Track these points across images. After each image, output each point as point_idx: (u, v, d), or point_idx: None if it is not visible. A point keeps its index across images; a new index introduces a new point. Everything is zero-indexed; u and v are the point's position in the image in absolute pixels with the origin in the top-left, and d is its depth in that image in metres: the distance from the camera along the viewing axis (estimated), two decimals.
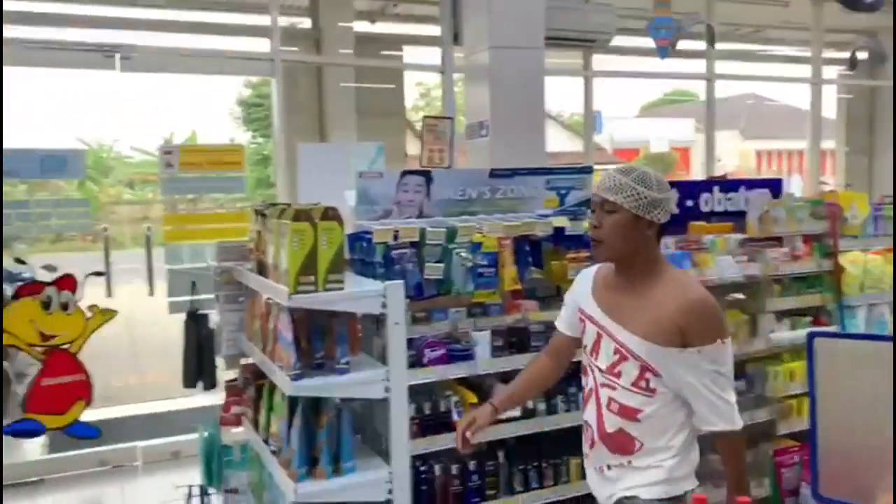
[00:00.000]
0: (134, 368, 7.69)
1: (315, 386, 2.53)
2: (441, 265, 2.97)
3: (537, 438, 3.06)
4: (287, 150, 5.43)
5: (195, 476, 3.42)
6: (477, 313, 3.10)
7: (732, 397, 2.04)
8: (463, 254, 2.98)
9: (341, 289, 2.59)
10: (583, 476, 3.09)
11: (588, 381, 2.17)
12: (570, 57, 7.02)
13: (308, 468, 2.54)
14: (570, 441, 3.14)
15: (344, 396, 2.59)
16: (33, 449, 5.08)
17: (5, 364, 6.01)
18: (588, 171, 3.63)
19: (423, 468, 2.83)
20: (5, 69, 4.81)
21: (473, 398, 2.96)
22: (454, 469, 2.89)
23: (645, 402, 2.04)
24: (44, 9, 5.42)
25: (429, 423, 2.86)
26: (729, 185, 3.81)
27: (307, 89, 6.59)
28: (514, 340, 3.03)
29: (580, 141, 13.11)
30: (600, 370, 2.10)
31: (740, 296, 3.62)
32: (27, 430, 4.41)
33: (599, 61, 7.32)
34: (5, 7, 5.14)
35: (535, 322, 3.08)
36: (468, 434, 2.28)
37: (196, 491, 3.27)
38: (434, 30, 6.10)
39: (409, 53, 7.16)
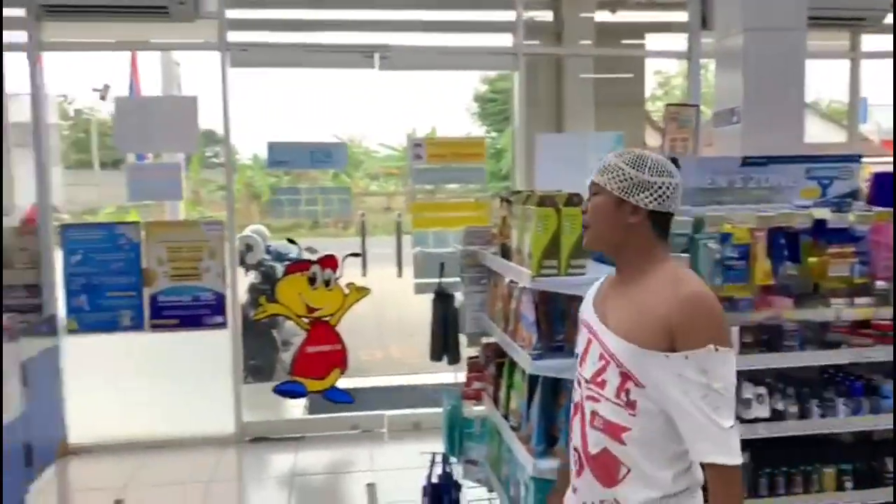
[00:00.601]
0: (380, 344, 8.33)
1: (555, 366, 2.59)
2: (686, 256, 2.88)
3: (787, 442, 2.88)
4: (525, 142, 5.56)
5: (434, 446, 3.65)
6: (724, 307, 2.96)
7: (728, 422, 1.65)
8: (711, 245, 2.87)
9: (583, 273, 2.63)
10: (837, 487, 2.92)
11: (575, 396, 1.90)
12: (833, 38, 6.40)
13: (546, 446, 2.62)
14: (823, 449, 2.96)
15: None
16: (294, 409, 5.71)
17: (274, 332, 6.83)
18: (855, 159, 3.33)
19: None
20: (283, 71, 5.44)
21: None
22: None
23: (628, 419, 1.73)
24: (315, 16, 6.02)
25: None
26: None
27: (546, 81, 6.68)
28: (766, 339, 2.87)
29: (838, 131, 11.92)
30: (586, 380, 1.83)
31: None
32: (293, 391, 4.98)
33: (868, 41, 6.60)
34: (290, 16, 5.83)
35: (790, 321, 2.89)
36: None
37: (438, 459, 3.49)
38: (679, 15, 5.88)
39: (651, 42, 6.97)
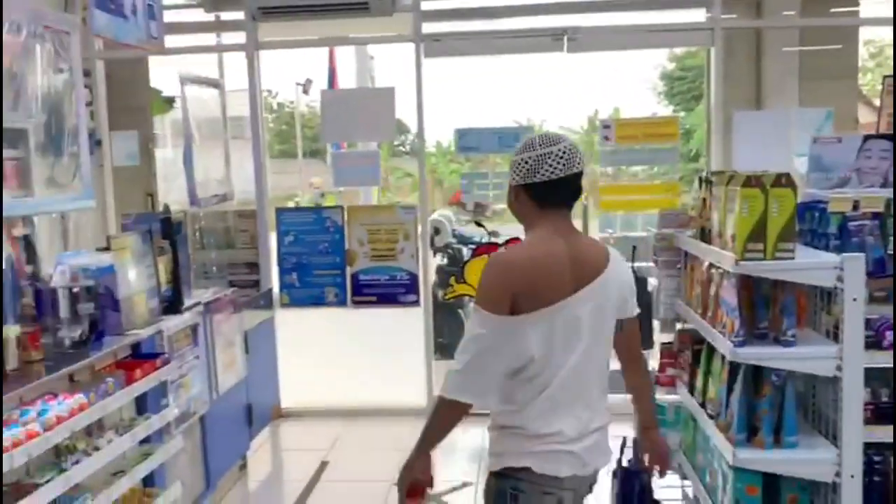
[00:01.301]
0: None
1: (759, 354, 2.52)
2: None
3: None
4: (720, 120, 5.32)
5: (624, 430, 3.62)
6: None
7: (455, 364, 2.04)
8: None
9: (791, 258, 2.51)
10: None
11: None
12: None
13: (747, 435, 2.54)
14: None
15: (789, 369, 2.52)
16: None
17: (460, 312, 7.06)
18: None
19: (876, 458, 2.60)
20: (477, 59, 5.58)
21: None
22: None
23: None
24: (502, 2, 6.11)
25: (885, 411, 2.61)
26: None
27: (743, 56, 6.31)
28: None
29: None
30: None
31: None
32: None
33: None
34: (485, 4, 5.97)
35: None
36: None
37: (629, 443, 3.47)
38: None
39: (866, 8, 6.36)
